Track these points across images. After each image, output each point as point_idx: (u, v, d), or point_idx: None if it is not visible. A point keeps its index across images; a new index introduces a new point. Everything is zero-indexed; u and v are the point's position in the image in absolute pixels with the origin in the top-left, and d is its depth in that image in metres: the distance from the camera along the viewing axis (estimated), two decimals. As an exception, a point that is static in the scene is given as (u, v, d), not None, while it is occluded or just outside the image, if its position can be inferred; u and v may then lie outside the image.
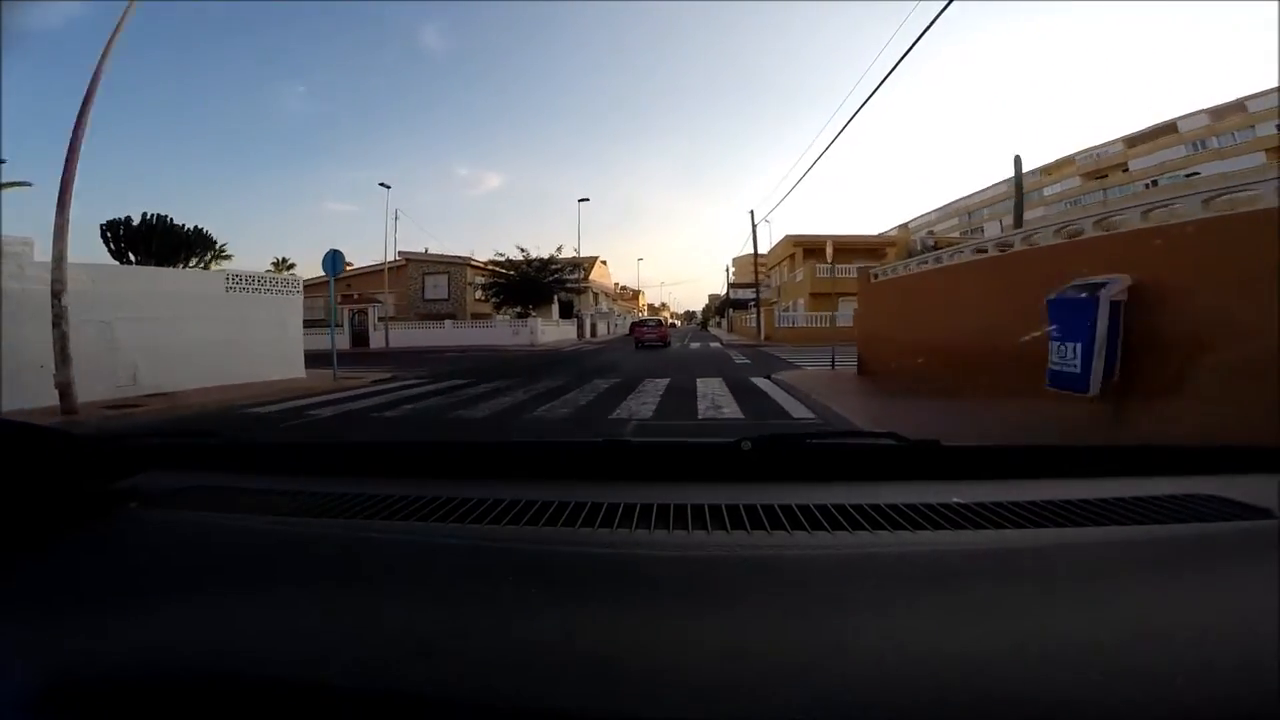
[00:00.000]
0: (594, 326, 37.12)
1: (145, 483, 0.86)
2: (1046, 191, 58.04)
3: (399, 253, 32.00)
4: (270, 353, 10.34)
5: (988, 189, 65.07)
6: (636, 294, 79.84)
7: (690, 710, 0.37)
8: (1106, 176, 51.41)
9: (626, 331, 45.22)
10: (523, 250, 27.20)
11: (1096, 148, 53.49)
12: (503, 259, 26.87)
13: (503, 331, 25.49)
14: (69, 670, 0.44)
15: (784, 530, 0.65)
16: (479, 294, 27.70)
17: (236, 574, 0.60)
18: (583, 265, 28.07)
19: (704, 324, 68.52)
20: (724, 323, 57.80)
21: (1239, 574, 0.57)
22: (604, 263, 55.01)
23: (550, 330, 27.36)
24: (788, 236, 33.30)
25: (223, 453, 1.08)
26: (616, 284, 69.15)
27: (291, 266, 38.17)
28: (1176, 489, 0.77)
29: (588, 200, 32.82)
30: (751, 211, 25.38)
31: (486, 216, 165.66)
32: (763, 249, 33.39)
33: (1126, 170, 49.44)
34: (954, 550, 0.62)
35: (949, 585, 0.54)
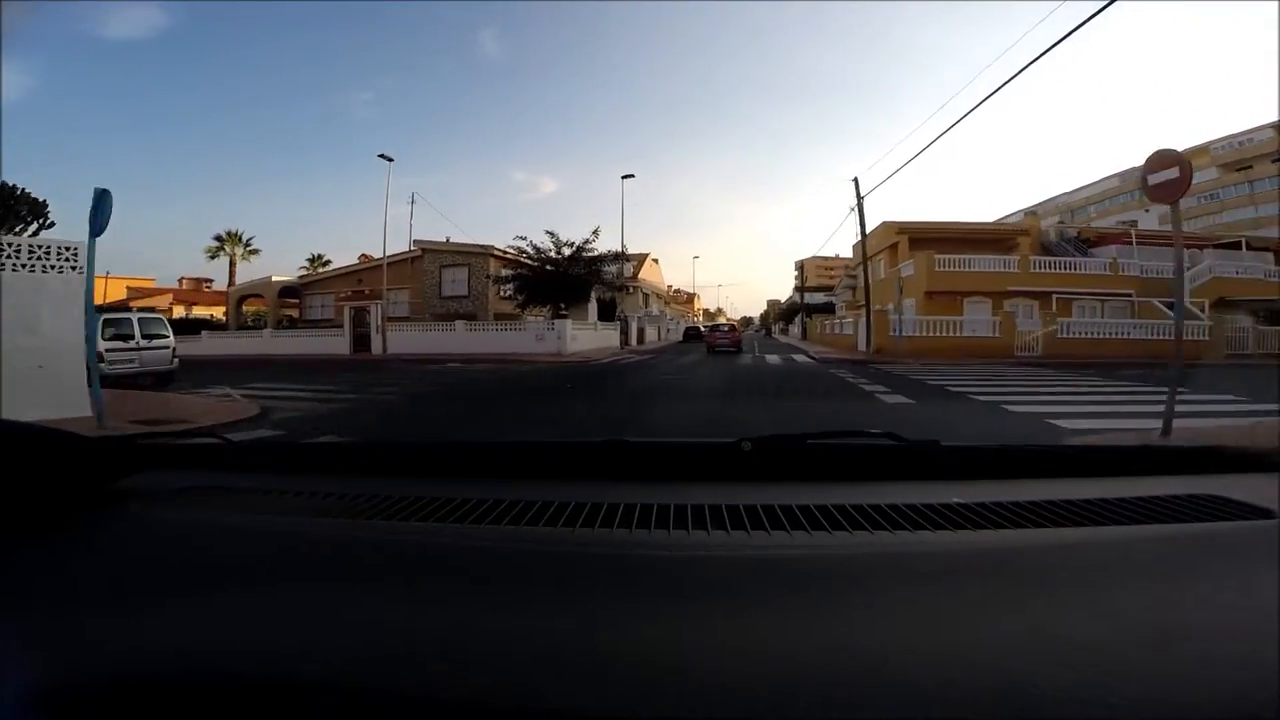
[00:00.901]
0: (641, 331, 31.37)
1: (145, 483, 0.85)
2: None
3: (414, 242, 27.49)
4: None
5: (1094, 184, 56.17)
6: (691, 297, 74.06)
7: (690, 710, 0.37)
8: (1252, 167, 43.26)
9: (680, 338, 39.80)
10: (551, 234, 21.06)
11: (1238, 135, 44.44)
12: (525, 243, 21.01)
13: (525, 336, 20.16)
14: (69, 670, 0.44)
15: (784, 530, 0.65)
16: (504, 289, 22.18)
17: (236, 574, 0.59)
18: (627, 257, 22.16)
19: (768, 331, 61.41)
20: (790, 329, 51.34)
21: (1239, 574, 0.56)
22: (655, 261, 49.34)
23: (584, 335, 21.79)
24: (886, 223, 26.61)
25: (223, 453, 1.06)
26: (670, 286, 63.63)
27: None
28: (1177, 489, 0.77)
29: (632, 177, 27.08)
30: (855, 180, 18.55)
31: (542, 221, 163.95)
32: (841, 248, 26.68)
33: (1278, 160, 40.69)
34: (954, 550, 0.61)
35: (949, 585, 0.53)
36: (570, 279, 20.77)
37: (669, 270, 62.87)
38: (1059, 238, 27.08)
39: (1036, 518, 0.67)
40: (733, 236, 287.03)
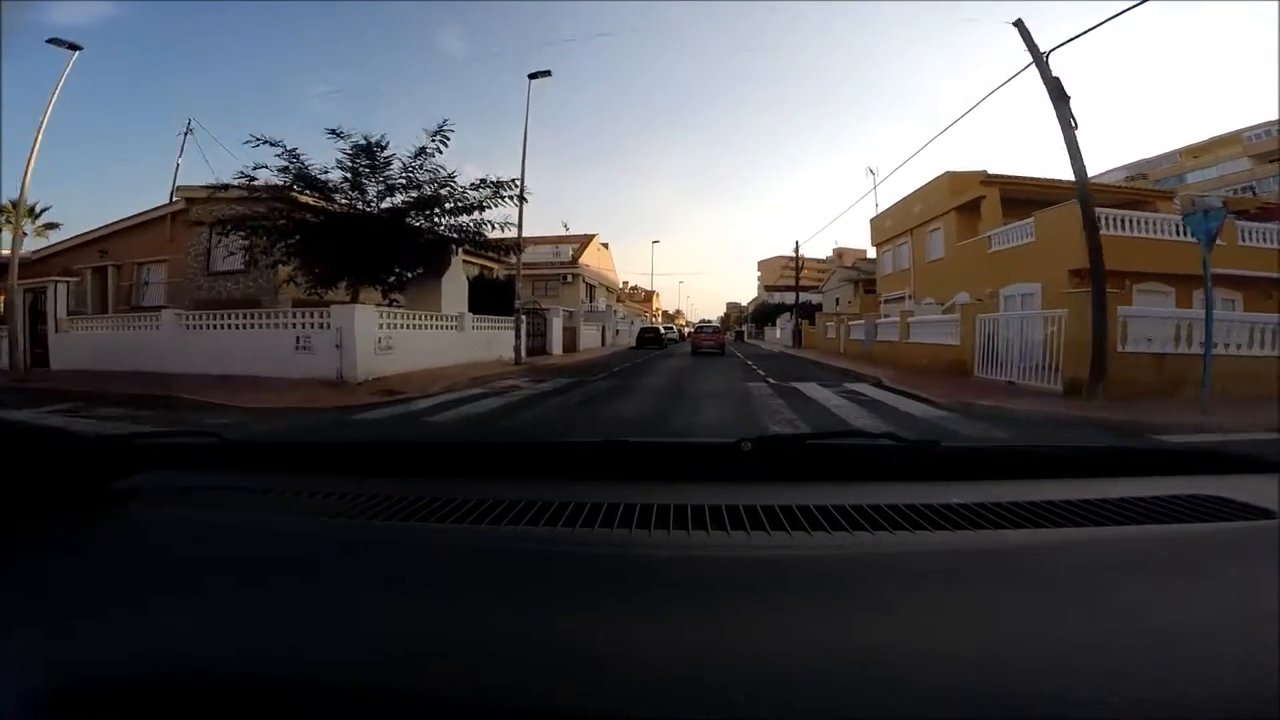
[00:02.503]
0: (571, 333, 20.91)
1: (145, 483, 0.85)
2: (1192, 178, 42.64)
3: (176, 190, 16.55)
4: None
5: (1095, 178, 49.34)
6: (649, 294, 64.23)
7: (690, 710, 0.37)
8: (1289, 157, 36.55)
9: (633, 342, 29.85)
10: (338, 134, 9.81)
11: (1273, 123, 38.08)
12: (278, 152, 9.67)
13: (281, 340, 9.53)
14: (69, 671, 0.44)
15: (784, 531, 0.65)
16: (237, 243, 11.15)
17: (237, 574, 0.59)
18: (517, 203, 11.29)
19: (738, 334, 51.91)
20: (769, 333, 42.07)
21: (1239, 574, 0.56)
22: (605, 246, 38.83)
23: (417, 341, 10.90)
24: (953, 174, 17.56)
25: (223, 453, 1.05)
26: (625, 283, 53.57)
27: None
28: (1177, 489, 0.76)
29: (549, 74, 14.13)
30: (1019, 23, 7.27)
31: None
32: (813, 248, 16.69)
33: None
34: (954, 550, 0.61)
35: (949, 585, 0.53)
36: (394, 232, 10.05)
37: (625, 272, 52.74)
38: (1192, 207, 18.39)
39: (1036, 518, 0.67)
40: (691, 239, 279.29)
